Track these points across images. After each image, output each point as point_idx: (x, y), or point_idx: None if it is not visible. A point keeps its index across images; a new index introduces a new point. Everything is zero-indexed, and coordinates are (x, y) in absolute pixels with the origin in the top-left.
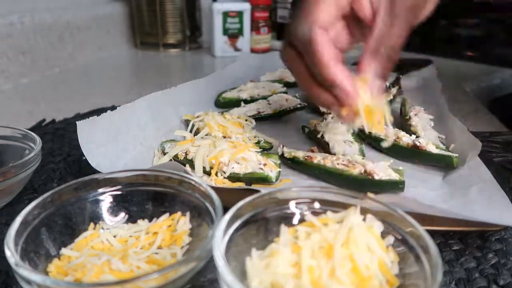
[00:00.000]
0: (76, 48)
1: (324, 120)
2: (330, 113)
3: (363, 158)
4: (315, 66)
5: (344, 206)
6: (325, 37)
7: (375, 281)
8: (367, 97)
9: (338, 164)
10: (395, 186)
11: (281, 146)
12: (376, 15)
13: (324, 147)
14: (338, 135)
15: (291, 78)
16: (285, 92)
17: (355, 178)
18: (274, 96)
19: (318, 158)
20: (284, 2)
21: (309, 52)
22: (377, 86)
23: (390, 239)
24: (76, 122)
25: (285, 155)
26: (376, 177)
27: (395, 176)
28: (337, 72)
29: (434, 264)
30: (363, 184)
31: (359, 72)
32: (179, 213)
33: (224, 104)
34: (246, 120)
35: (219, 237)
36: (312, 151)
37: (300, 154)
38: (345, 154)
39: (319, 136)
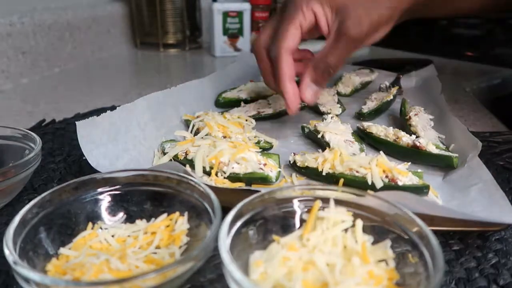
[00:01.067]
0: (76, 48)
1: (324, 120)
2: (329, 113)
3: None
4: (276, 75)
5: (345, 204)
6: (288, 61)
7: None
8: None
9: (357, 172)
10: (420, 191)
11: (292, 154)
12: (327, 36)
13: (325, 147)
14: (339, 135)
15: None
16: None
17: (374, 187)
18: (274, 96)
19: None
20: None
21: (275, 66)
22: (313, 89)
23: (387, 243)
24: (76, 122)
25: (298, 164)
26: (400, 183)
27: (416, 181)
28: (288, 88)
29: (436, 263)
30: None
31: (301, 78)
32: (177, 213)
33: (224, 104)
34: (246, 120)
35: (224, 234)
36: None
37: (313, 163)
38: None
39: (319, 136)
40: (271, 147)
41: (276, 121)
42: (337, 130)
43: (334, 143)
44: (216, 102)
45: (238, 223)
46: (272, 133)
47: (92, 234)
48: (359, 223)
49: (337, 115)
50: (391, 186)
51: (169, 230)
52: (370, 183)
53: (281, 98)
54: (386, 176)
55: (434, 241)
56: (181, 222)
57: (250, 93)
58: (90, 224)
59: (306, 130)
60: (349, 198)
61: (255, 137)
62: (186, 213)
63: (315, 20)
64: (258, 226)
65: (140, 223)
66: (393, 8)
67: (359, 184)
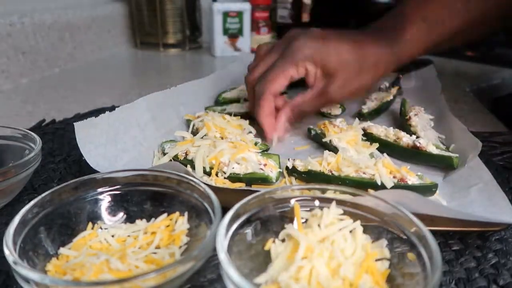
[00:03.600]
0: (76, 48)
1: (333, 126)
2: (330, 113)
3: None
4: (256, 109)
5: (345, 204)
6: (270, 100)
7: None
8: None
9: (364, 173)
10: (428, 190)
11: (291, 159)
12: (310, 87)
13: (332, 152)
14: (348, 142)
15: None
16: (285, 93)
17: (384, 187)
18: None
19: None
20: (284, 2)
21: (256, 101)
22: (285, 126)
23: (383, 242)
24: (74, 123)
25: (299, 168)
26: (409, 182)
27: (423, 180)
28: (267, 122)
29: (434, 263)
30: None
31: (277, 114)
32: (177, 213)
33: (224, 104)
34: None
35: (222, 235)
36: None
37: (316, 167)
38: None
39: (326, 140)
40: (268, 148)
41: None
42: (347, 137)
43: (342, 148)
44: (216, 102)
45: (236, 224)
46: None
47: (92, 234)
48: (359, 228)
49: (337, 115)
50: (400, 185)
51: (169, 230)
52: (379, 183)
53: None
54: (394, 177)
55: (432, 241)
56: (181, 222)
57: None
58: (90, 224)
59: (313, 132)
60: (347, 198)
61: (251, 140)
62: (186, 213)
63: (305, 74)
64: (256, 226)
65: (140, 223)
66: (374, 78)
67: (367, 185)
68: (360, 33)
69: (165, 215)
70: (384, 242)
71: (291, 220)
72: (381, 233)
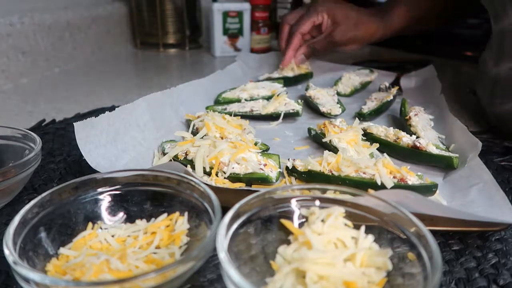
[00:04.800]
0: (76, 48)
1: (333, 126)
2: (330, 113)
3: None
4: (288, 43)
5: (345, 204)
6: (298, 39)
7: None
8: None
9: (364, 173)
10: (429, 190)
11: (291, 159)
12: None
13: (332, 152)
14: (348, 142)
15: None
16: (286, 92)
17: (384, 187)
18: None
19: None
20: (284, 2)
21: (290, 39)
22: (301, 57)
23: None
24: (74, 123)
25: (299, 168)
26: (409, 182)
27: (423, 180)
28: (290, 53)
29: (434, 263)
30: None
31: (298, 49)
32: (177, 213)
33: (224, 105)
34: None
35: (222, 235)
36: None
37: (316, 167)
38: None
39: (326, 140)
40: (268, 148)
41: (274, 121)
42: (347, 137)
43: (342, 148)
44: (216, 102)
45: (236, 224)
46: (272, 133)
47: (92, 234)
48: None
49: (337, 115)
50: (401, 185)
51: (169, 230)
52: (379, 183)
53: (276, 102)
54: (394, 177)
55: (432, 241)
56: (181, 222)
57: (250, 93)
58: (90, 224)
59: (313, 132)
60: (347, 198)
61: (251, 140)
62: (186, 213)
63: (321, 21)
64: (256, 226)
65: (140, 223)
66: (366, 34)
67: (367, 185)
68: (360, 8)
69: (165, 215)
70: (389, 252)
71: (291, 220)
72: (381, 233)
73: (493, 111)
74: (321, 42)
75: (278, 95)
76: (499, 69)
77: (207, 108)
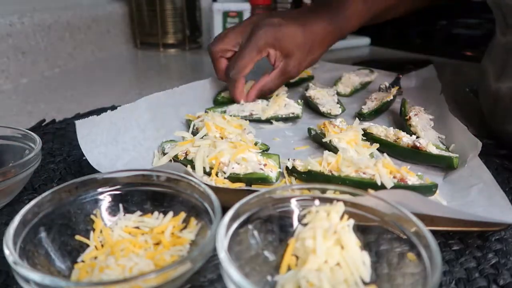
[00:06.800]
0: (76, 48)
1: (333, 126)
2: (330, 113)
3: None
4: (232, 89)
5: (345, 204)
6: (242, 83)
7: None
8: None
9: (364, 173)
10: (429, 190)
11: (291, 159)
12: (274, 67)
13: (332, 152)
14: (349, 142)
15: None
16: (285, 92)
17: (384, 188)
18: (273, 98)
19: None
20: (284, 2)
21: (232, 83)
22: (254, 99)
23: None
24: (75, 121)
25: (299, 168)
26: (409, 182)
27: (423, 180)
28: (240, 97)
29: (434, 263)
30: None
31: (249, 90)
32: (182, 213)
33: (223, 104)
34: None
35: (222, 235)
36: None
37: (316, 167)
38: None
39: (326, 140)
40: (268, 148)
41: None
42: (347, 137)
43: (342, 148)
44: (215, 101)
45: (236, 224)
46: (272, 133)
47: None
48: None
49: (337, 115)
50: (400, 186)
51: (177, 229)
52: (379, 183)
53: (275, 105)
54: (394, 177)
55: (432, 241)
56: (189, 231)
57: None
58: (99, 221)
59: (313, 132)
60: (347, 198)
61: (251, 140)
62: (184, 213)
63: (267, 56)
64: (256, 226)
65: (149, 220)
66: (322, 52)
67: (367, 185)
68: (308, 13)
69: (171, 214)
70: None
71: (290, 219)
72: (381, 233)
73: (495, 127)
74: (274, 79)
75: (277, 96)
76: (500, 86)
77: (206, 110)
